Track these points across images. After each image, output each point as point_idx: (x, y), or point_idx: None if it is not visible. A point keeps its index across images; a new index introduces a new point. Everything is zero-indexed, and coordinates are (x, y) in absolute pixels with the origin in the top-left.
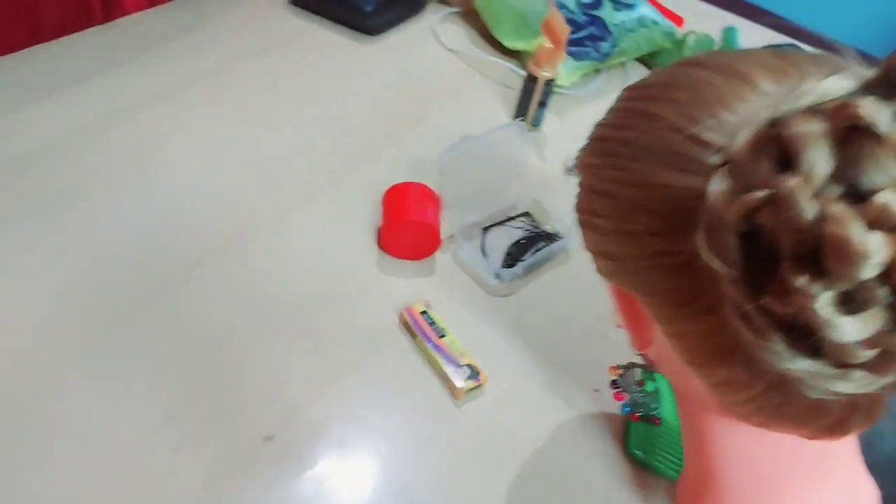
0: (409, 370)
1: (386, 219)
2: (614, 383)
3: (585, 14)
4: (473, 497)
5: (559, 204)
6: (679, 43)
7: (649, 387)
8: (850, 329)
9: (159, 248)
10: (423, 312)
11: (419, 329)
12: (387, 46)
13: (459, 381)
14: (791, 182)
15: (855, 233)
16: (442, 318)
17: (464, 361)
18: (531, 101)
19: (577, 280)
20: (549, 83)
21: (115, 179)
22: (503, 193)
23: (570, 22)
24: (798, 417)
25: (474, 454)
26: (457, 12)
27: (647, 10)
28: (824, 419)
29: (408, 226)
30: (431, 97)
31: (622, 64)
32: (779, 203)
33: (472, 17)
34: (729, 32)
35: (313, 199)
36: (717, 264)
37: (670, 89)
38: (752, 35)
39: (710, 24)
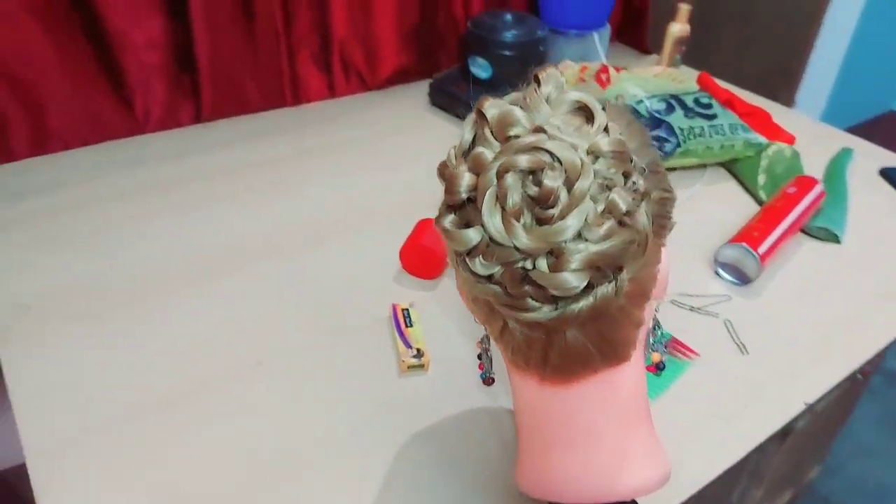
0: (381, 348)
1: (407, 241)
2: (479, 356)
3: (655, 119)
4: (378, 440)
5: None
6: (759, 152)
7: (491, 352)
8: (465, 239)
9: (271, 234)
10: (405, 309)
11: (395, 319)
12: None
13: (406, 358)
14: (451, 151)
15: (457, 172)
16: (419, 317)
17: (416, 346)
18: None
19: None
20: None
21: (267, 189)
22: None
23: None
24: (525, 353)
25: (397, 413)
26: None
27: (728, 120)
28: (534, 353)
29: (419, 248)
30: None
31: (703, 166)
32: (447, 165)
33: None
34: (843, 153)
35: (379, 224)
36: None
37: None
38: (868, 158)
39: (826, 144)
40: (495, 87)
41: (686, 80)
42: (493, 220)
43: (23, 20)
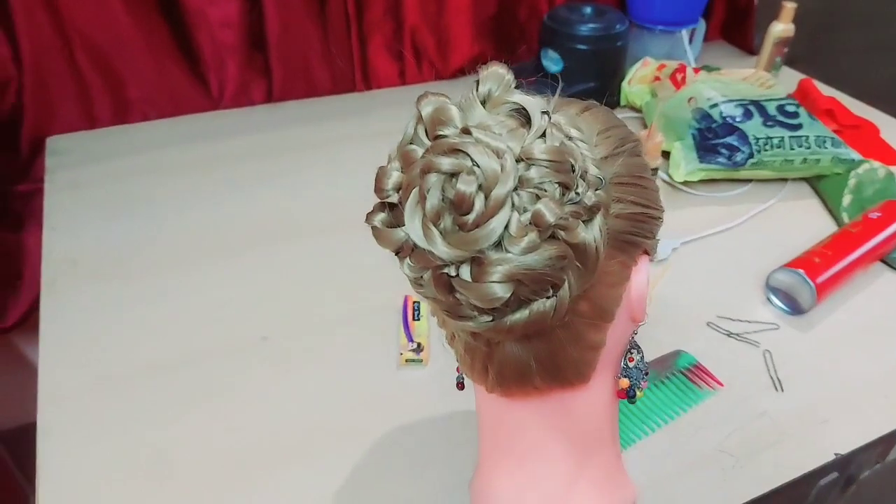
0: (389, 337)
1: None
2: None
3: (727, 125)
4: (365, 428)
5: None
6: (848, 170)
7: None
8: (391, 238)
9: (319, 212)
10: (416, 302)
11: (404, 310)
12: None
13: (405, 351)
14: (393, 148)
15: (387, 168)
16: (429, 311)
17: (417, 339)
18: None
19: None
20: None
21: (327, 168)
22: None
23: (709, 130)
24: (469, 363)
25: (389, 403)
26: (637, 116)
27: (815, 132)
28: (476, 362)
29: None
30: None
31: (783, 180)
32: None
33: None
34: None
35: None
36: None
37: None
38: None
39: None
40: (567, 80)
41: (776, 85)
42: (413, 221)
43: None
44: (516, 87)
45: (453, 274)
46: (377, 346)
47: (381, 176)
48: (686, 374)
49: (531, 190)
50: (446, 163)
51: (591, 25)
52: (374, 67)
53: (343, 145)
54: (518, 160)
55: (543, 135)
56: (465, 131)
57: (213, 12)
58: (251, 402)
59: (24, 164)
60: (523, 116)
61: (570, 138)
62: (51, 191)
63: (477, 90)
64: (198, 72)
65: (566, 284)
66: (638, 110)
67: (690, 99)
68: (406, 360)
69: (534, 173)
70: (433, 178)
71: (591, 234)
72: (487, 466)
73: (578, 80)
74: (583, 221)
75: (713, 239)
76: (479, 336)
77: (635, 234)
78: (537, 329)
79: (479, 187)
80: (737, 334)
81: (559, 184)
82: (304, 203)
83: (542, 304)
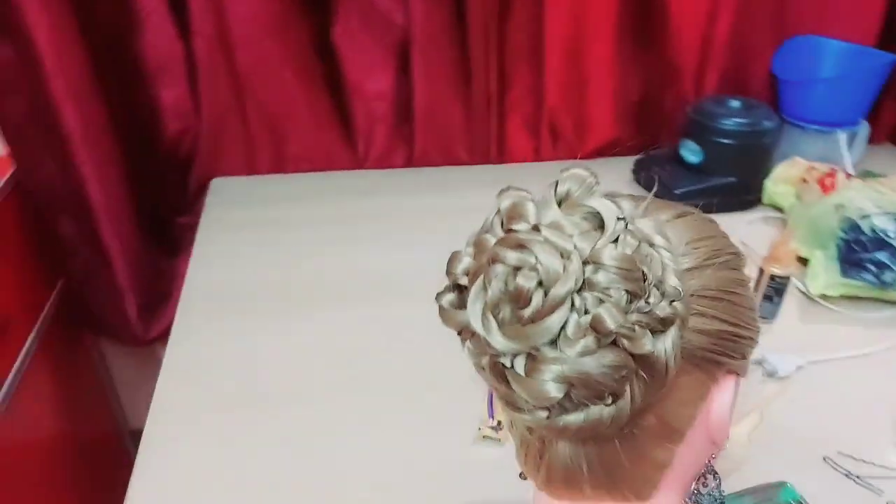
0: (472, 409)
1: None
2: None
3: (879, 240)
4: (432, 497)
5: None
6: None
7: None
8: (455, 319)
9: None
10: None
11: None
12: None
13: (483, 426)
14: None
15: (461, 253)
16: None
17: (499, 418)
18: (757, 290)
19: None
20: (779, 279)
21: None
22: None
23: (857, 243)
24: (523, 456)
25: (455, 477)
26: (779, 217)
27: None
28: (529, 456)
29: None
30: None
31: None
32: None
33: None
34: None
35: None
36: None
37: None
38: None
39: None
40: (705, 173)
41: None
42: (474, 307)
43: (280, 68)
44: (602, 191)
45: (508, 365)
46: (458, 417)
47: (453, 259)
48: None
49: (596, 294)
50: (511, 256)
51: (737, 120)
52: (510, 142)
53: (475, 214)
54: (585, 262)
55: (616, 240)
56: (536, 228)
57: (370, 86)
58: (329, 447)
59: (189, 200)
60: (598, 220)
61: (651, 245)
62: (204, 226)
63: (556, 190)
64: (349, 135)
65: (628, 395)
66: (779, 210)
67: (838, 207)
68: (483, 437)
69: (601, 277)
70: (499, 269)
71: (661, 346)
72: None
73: (718, 173)
74: (652, 332)
75: (846, 363)
76: (534, 430)
77: (718, 353)
78: (593, 434)
79: (539, 284)
80: (857, 476)
81: (627, 291)
82: (423, 264)
83: (601, 411)
